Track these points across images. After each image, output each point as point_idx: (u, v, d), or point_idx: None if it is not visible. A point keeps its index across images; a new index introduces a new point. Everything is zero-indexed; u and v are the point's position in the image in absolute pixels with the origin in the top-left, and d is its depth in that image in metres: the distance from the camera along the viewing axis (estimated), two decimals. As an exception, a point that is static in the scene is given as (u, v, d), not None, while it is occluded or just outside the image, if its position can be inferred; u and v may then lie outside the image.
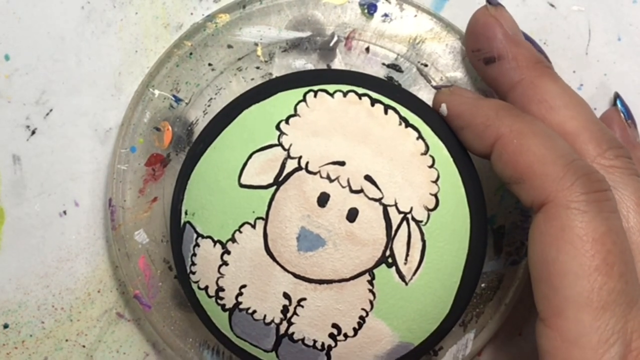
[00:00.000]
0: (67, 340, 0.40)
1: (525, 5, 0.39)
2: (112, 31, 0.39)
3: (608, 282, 0.29)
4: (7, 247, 0.39)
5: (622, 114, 0.38)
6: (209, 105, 0.38)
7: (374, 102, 0.35)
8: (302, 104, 0.35)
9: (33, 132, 0.39)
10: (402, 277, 0.34)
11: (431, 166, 0.35)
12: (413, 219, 0.34)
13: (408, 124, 0.35)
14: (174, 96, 0.38)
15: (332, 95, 0.35)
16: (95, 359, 0.40)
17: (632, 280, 0.30)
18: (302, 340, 0.35)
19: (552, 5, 0.40)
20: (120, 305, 0.40)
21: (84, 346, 0.40)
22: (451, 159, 0.35)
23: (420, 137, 0.35)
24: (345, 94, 0.35)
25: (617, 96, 0.39)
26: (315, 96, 0.35)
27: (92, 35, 0.39)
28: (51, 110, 0.39)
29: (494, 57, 0.35)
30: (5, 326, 0.39)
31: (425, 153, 0.35)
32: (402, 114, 0.35)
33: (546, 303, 0.30)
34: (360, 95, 0.35)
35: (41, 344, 0.39)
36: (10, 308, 0.39)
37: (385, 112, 0.35)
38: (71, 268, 0.39)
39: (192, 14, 0.39)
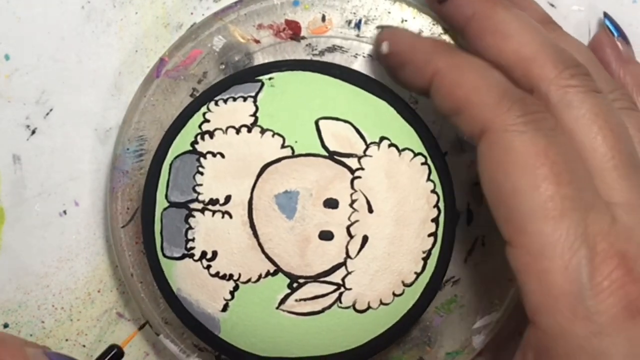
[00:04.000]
0: (67, 340, 0.40)
1: (525, 5, 0.40)
2: (112, 31, 0.39)
3: (559, 189, 0.30)
4: (7, 247, 0.39)
5: (612, 34, 0.38)
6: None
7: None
8: None
9: (33, 132, 0.39)
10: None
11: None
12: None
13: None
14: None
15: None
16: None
17: (584, 187, 0.31)
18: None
19: (552, 5, 0.40)
20: (120, 305, 0.40)
21: (84, 346, 0.40)
22: None
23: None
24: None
25: (605, 15, 0.39)
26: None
27: (92, 35, 0.39)
28: (51, 110, 0.39)
29: None
30: (6, 326, 0.39)
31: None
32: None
33: (507, 225, 0.31)
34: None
35: (41, 344, 0.39)
36: (11, 308, 0.39)
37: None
38: (71, 268, 0.39)
39: (192, 13, 0.39)
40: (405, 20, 0.38)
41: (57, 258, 0.39)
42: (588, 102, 0.32)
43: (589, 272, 0.30)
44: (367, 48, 0.38)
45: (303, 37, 0.38)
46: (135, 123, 0.38)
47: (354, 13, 0.38)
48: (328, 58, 0.37)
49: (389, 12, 0.38)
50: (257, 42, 0.37)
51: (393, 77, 0.36)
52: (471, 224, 0.36)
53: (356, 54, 0.38)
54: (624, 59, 0.38)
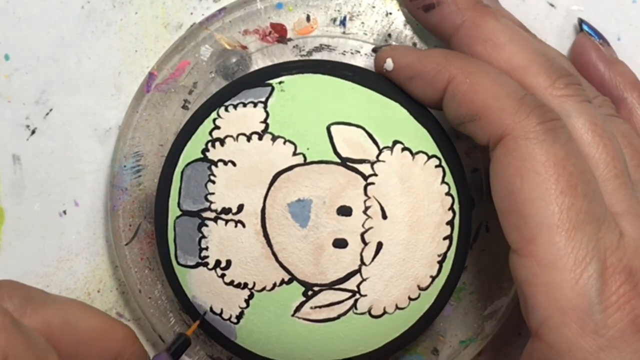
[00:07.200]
0: (67, 340, 0.40)
1: (525, 5, 0.40)
2: (112, 31, 0.39)
3: (575, 202, 0.30)
4: (7, 247, 0.39)
5: (592, 37, 0.39)
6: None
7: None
8: None
9: (33, 132, 0.39)
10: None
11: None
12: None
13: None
14: None
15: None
16: (95, 358, 0.40)
17: (596, 199, 0.31)
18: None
19: (552, 5, 0.40)
20: (120, 305, 0.40)
21: (84, 346, 0.40)
22: None
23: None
24: None
25: (581, 21, 0.39)
26: None
27: (92, 35, 0.39)
28: (51, 110, 0.39)
29: (433, 3, 0.35)
30: (5, 326, 0.39)
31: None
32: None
33: (518, 233, 0.31)
34: None
35: (41, 344, 0.39)
36: (10, 308, 0.39)
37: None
38: (71, 268, 0.39)
39: (192, 13, 0.39)
40: (390, 14, 0.38)
41: (57, 258, 0.39)
42: (586, 112, 0.33)
43: (599, 287, 0.30)
44: (354, 45, 0.38)
45: (290, 39, 0.38)
46: (129, 140, 0.38)
47: (338, 11, 0.38)
48: (316, 57, 0.37)
49: (373, 7, 0.38)
50: (244, 48, 0.37)
51: (406, 89, 0.35)
52: (474, 210, 0.36)
53: (344, 51, 0.38)
54: (610, 61, 0.38)
